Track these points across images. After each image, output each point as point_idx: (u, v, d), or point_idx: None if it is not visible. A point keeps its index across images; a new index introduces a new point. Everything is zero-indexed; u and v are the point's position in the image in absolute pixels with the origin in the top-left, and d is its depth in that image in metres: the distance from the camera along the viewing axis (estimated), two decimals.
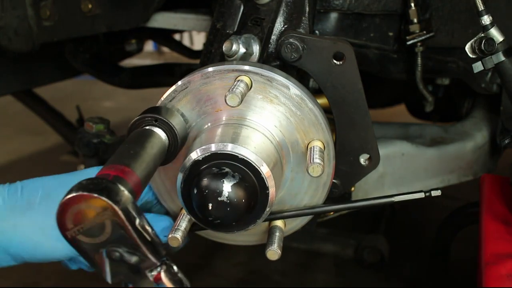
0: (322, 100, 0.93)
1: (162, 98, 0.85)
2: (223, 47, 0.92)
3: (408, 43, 1.22)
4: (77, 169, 1.17)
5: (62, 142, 2.86)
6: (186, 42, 6.12)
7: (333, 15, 1.23)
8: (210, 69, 0.83)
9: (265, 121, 0.85)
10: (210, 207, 0.75)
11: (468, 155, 1.41)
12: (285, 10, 0.99)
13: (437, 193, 0.87)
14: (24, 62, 1.90)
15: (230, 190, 0.75)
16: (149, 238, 0.66)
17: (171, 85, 0.86)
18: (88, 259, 0.67)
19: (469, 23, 1.23)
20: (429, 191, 0.87)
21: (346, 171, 0.97)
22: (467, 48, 0.97)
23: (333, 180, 0.95)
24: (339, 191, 0.99)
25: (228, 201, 0.75)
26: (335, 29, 1.25)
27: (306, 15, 1.00)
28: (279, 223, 0.92)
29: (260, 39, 0.96)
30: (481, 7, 0.94)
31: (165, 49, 6.22)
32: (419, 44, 1.23)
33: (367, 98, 0.92)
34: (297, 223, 0.95)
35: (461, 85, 1.41)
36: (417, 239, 2.29)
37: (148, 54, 6.31)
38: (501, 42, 0.94)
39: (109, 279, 0.69)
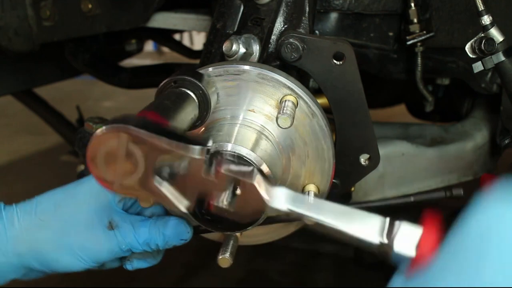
0: (322, 100, 0.93)
1: None
2: (223, 47, 0.92)
3: (408, 43, 1.22)
4: (77, 169, 1.17)
5: (62, 142, 2.86)
6: (186, 42, 6.12)
7: (333, 15, 1.23)
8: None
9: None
10: (209, 207, 0.75)
11: (468, 155, 1.41)
12: (285, 10, 0.99)
13: (459, 191, 0.80)
14: (24, 62, 1.89)
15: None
16: (178, 133, 0.61)
17: None
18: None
19: (469, 23, 1.23)
20: (450, 190, 0.82)
21: (346, 171, 0.97)
22: (467, 48, 0.97)
23: (333, 180, 0.95)
24: (339, 191, 0.99)
25: (227, 201, 0.75)
26: (335, 29, 1.25)
27: (306, 15, 1.00)
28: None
29: (260, 39, 0.96)
30: (481, 7, 0.94)
31: (165, 49, 6.21)
32: (419, 44, 1.23)
33: (367, 98, 0.92)
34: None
35: (461, 85, 1.41)
36: None
37: (148, 54, 6.31)
38: (501, 42, 0.94)
39: (184, 208, 0.65)
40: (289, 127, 0.79)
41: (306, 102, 0.85)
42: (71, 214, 0.79)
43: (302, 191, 0.91)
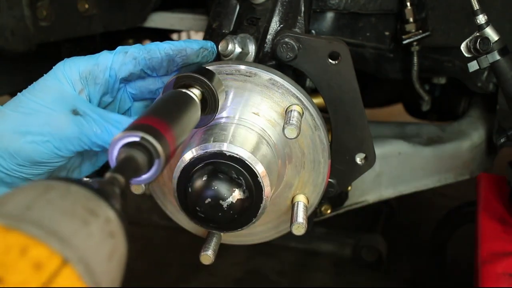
0: (318, 100, 0.93)
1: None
2: (219, 46, 0.92)
3: (404, 42, 1.22)
4: None
5: None
6: None
7: (329, 15, 1.24)
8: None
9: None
10: (204, 207, 0.75)
11: (465, 154, 1.41)
12: (280, 9, 0.99)
13: None
14: (21, 62, 1.89)
15: (224, 190, 0.75)
16: None
17: None
18: None
19: (465, 22, 1.23)
20: None
21: (342, 170, 0.97)
22: (463, 47, 0.97)
23: (329, 180, 0.95)
24: (335, 190, 0.99)
25: (222, 201, 0.75)
26: (331, 29, 1.25)
27: (302, 14, 1.00)
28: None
29: (256, 39, 0.97)
30: (476, 6, 0.94)
31: None
32: (415, 43, 1.23)
33: (363, 98, 0.92)
34: None
35: (458, 84, 1.41)
36: (414, 238, 2.29)
37: None
38: (496, 41, 0.94)
39: None
40: (295, 137, 0.79)
41: (311, 115, 0.85)
42: (31, 106, 0.77)
43: (292, 200, 0.91)
